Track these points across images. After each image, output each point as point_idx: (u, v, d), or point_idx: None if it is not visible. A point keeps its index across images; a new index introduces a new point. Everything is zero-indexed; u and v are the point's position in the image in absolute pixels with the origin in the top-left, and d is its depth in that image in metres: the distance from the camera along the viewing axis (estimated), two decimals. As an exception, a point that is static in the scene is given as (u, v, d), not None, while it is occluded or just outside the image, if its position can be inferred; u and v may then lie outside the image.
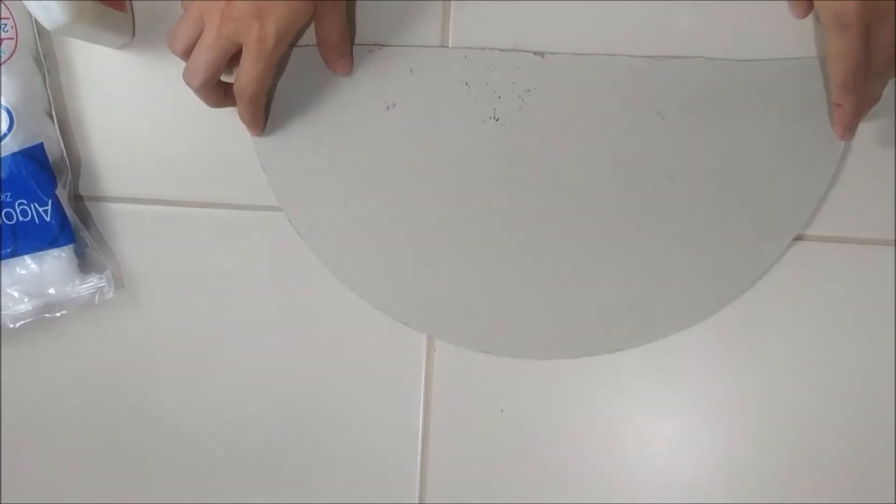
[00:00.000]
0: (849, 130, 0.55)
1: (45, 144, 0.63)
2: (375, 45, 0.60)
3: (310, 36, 0.60)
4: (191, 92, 0.57)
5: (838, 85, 0.52)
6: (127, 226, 0.65)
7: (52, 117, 0.64)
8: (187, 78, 0.56)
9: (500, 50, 0.59)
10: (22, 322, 0.64)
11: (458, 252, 0.61)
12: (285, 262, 0.64)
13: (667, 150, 0.59)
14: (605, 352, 0.62)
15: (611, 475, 0.63)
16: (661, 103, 0.58)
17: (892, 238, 0.59)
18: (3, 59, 0.61)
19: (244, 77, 0.55)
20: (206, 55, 0.55)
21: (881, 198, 0.59)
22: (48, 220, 0.63)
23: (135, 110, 0.64)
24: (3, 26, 0.62)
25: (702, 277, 0.60)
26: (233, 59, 0.55)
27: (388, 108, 0.60)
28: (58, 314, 0.65)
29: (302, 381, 0.65)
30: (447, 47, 0.60)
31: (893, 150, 0.58)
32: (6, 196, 0.62)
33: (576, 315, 0.61)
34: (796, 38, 0.58)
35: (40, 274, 0.64)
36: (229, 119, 0.61)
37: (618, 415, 0.63)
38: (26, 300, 0.64)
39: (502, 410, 0.63)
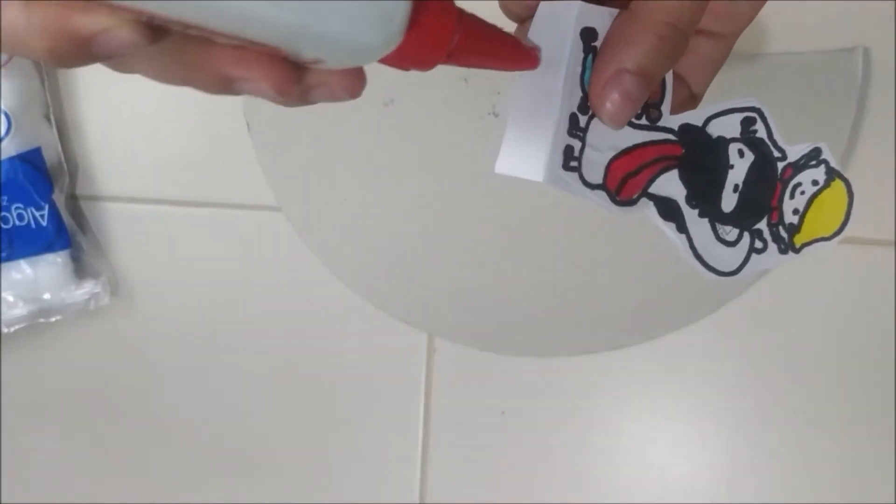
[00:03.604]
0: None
1: (42, 149, 0.63)
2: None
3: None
4: (188, 92, 0.57)
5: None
6: (124, 226, 0.65)
7: (50, 121, 0.64)
8: None
9: (499, 45, 0.59)
10: (17, 327, 0.64)
11: (457, 249, 0.61)
12: (285, 262, 0.64)
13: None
14: (606, 349, 0.61)
15: (611, 474, 0.63)
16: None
17: (892, 238, 0.59)
18: (2, 63, 0.61)
19: None
20: None
21: (881, 198, 0.59)
22: (44, 224, 0.62)
23: (133, 112, 0.64)
24: (1, 29, 0.62)
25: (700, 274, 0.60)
26: None
27: (385, 105, 0.60)
28: (52, 319, 0.64)
29: (302, 380, 0.65)
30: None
31: (894, 151, 0.58)
32: (3, 200, 0.62)
33: (576, 312, 0.61)
34: (796, 33, 0.58)
35: (35, 279, 0.63)
36: (228, 119, 0.61)
37: (618, 412, 0.62)
38: (21, 305, 0.63)
39: (503, 412, 0.63)
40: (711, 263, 0.36)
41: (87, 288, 0.64)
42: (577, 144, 0.31)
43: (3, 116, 0.62)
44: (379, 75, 0.64)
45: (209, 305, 0.65)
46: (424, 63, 0.28)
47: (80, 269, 0.65)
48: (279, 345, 0.65)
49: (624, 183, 0.33)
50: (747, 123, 0.35)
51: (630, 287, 0.60)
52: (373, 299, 0.62)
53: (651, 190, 0.34)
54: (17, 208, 0.62)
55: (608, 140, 0.32)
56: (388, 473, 0.64)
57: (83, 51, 0.22)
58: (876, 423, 0.60)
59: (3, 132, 0.62)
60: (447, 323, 0.62)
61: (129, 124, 0.64)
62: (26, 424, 0.67)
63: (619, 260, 0.60)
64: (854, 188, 0.58)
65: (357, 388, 0.64)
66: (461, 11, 0.28)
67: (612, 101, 0.30)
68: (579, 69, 0.31)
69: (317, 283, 0.63)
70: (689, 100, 0.35)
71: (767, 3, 0.57)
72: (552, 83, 0.31)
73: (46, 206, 0.62)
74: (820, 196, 0.37)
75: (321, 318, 0.64)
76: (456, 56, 0.29)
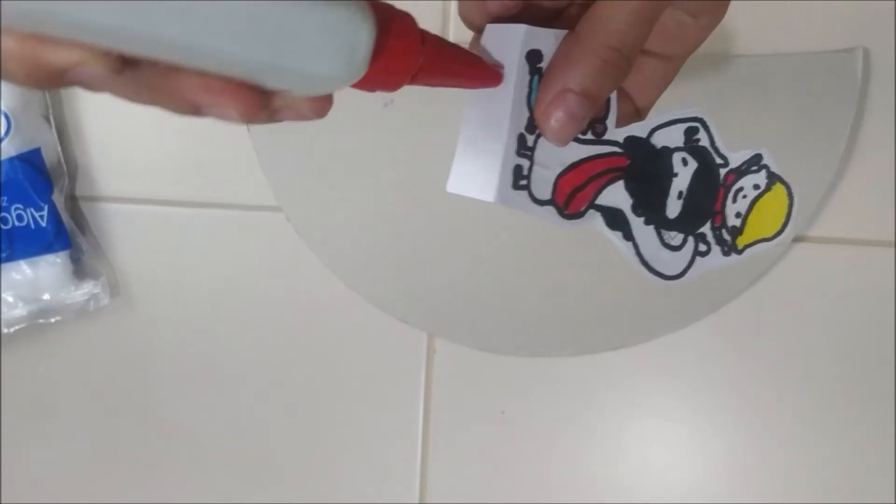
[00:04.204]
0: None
1: (42, 149, 0.63)
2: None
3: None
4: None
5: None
6: (124, 227, 0.65)
7: (49, 121, 0.64)
8: None
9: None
10: (17, 327, 0.64)
11: (457, 249, 0.61)
12: (285, 262, 0.64)
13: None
14: (606, 349, 0.61)
15: (611, 474, 0.62)
16: (660, 98, 0.58)
17: (892, 239, 0.59)
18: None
19: None
20: None
21: (881, 198, 0.59)
22: (44, 225, 0.62)
23: (133, 112, 0.63)
24: (1, 29, 0.62)
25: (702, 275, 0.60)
26: None
27: (385, 105, 0.60)
28: (52, 320, 0.64)
29: (302, 380, 0.65)
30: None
31: (894, 152, 0.58)
32: (3, 200, 0.62)
33: (576, 312, 0.61)
34: (797, 33, 0.58)
35: (35, 279, 0.63)
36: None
37: (618, 413, 0.62)
38: (21, 305, 0.63)
39: (503, 412, 0.63)
40: (657, 268, 0.37)
41: (87, 288, 0.64)
42: (525, 164, 0.33)
43: (2, 117, 0.62)
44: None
45: (209, 305, 0.65)
46: (389, 86, 0.29)
47: (80, 270, 0.64)
48: (279, 345, 0.64)
49: (572, 197, 0.34)
50: (690, 133, 0.36)
51: (630, 287, 0.60)
52: (373, 299, 0.62)
53: (598, 201, 0.35)
54: (16, 209, 0.62)
55: (556, 157, 0.33)
56: (388, 473, 0.64)
57: (58, 80, 0.23)
58: (876, 423, 0.60)
59: (2, 132, 0.62)
60: (447, 323, 0.62)
61: (129, 124, 0.64)
62: (26, 424, 0.67)
63: (619, 260, 0.60)
64: (854, 188, 0.59)
65: (357, 388, 0.64)
66: (424, 33, 0.29)
67: (556, 119, 0.31)
68: (526, 91, 0.32)
69: (317, 283, 0.63)
70: (634, 114, 0.36)
71: (768, 2, 0.58)
72: (500, 105, 0.32)
73: (46, 207, 0.62)
74: (761, 199, 0.38)
75: (321, 318, 0.64)
76: (420, 77, 0.29)
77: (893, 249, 0.59)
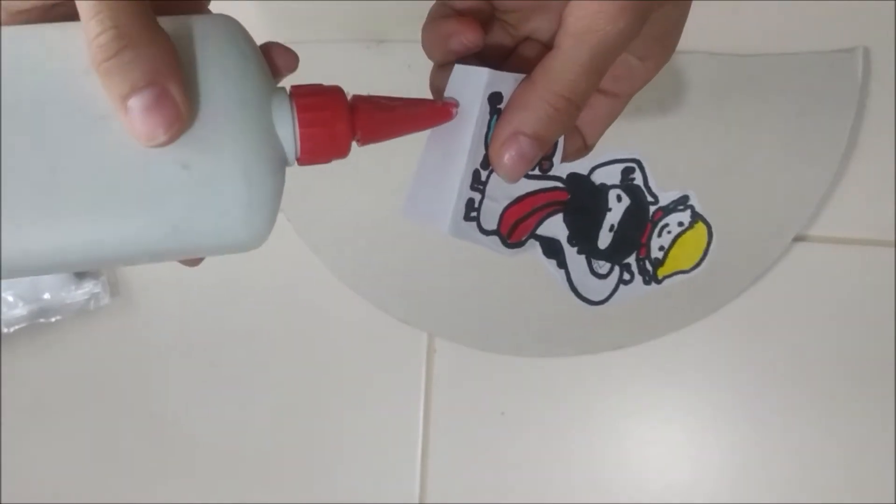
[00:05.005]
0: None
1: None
2: (373, 40, 0.60)
3: (309, 34, 0.60)
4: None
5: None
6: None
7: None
8: None
9: (499, 45, 0.59)
10: (17, 327, 0.64)
11: (457, 249, 0.60)
12: (285, 263, 0.63)
13: (668, 146, 0.59)
14: (606, 349, 0.61)
15: (611, 474, 0.62)
16: (662, 98, 0.58)
17: (892, 239, 0.59)
18: (0, 62, 0.61)
19: None
20: None
21: (881, 198, 0.59)
22: (44, 224, 0.62)
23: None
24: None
25: (702, 275, 0.59)
26: None
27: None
28: (52, 319, 0.64)
29: (301, 380, 0.65)
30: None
31: (894, 151, 0.58)
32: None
33: (576, 312, 0.60)
34: (797, 33, 0.58)
35: (35, 279, 0.63)
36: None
37: (618, 412, 0.62)
38: (21, 305, 0.63)
39: (503, 412, 0.63)
40: (584, 294, 0.40)
41: (87, 288, 0.64)
42: (477, 197, 0.35)
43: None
44: (378, 76, 0.63)
45: (209, 306, 0.65)
46: (332, 158, 0.32)
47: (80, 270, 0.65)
48: (279, 345, 0.64)
49: (515, 227, 0.37)
50: (627, 172, 0.39)
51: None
52: (373, 299, 0.62)
53: (538, 231, 0.37)
54: (16, 208, 0.62)
55: (505, 191, 0.36)
56: (388, 473, 0.64)
57: None
58: (876, 423, 0.60)
59: (2, 132, 0.61)
60: (447, 323, 0.62)
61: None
62: (26, 424, 0.67)
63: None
64: (854, 188, 0.59)
65: (357, 388, 0.64)
66: (357, 102, 0.31)
67: (508, 158, 0.34)
68: (485, 130, 0.34)
69: (317, 283, 0.63)
70: (583, 148, 0.38)
71: (769, 3, 0.58)
72: (459, 142, 0.34)
73: (46, 206, 0.62)
74: (684, 235, 0.40)
75: (321, 318, 0.64)
76: (365, 139, 0.32)
77: (893, 249, 0.59)
